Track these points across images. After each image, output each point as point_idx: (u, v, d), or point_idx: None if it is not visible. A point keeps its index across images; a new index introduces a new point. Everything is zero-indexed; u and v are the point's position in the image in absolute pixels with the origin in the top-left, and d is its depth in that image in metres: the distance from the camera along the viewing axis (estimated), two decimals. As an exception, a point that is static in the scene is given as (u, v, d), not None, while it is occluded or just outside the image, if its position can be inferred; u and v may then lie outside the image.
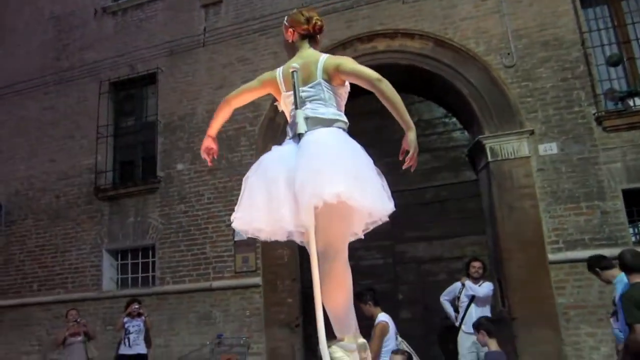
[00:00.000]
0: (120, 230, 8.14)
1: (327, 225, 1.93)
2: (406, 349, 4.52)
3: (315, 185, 1.82)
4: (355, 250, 7.21)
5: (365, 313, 4.86)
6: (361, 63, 2.29)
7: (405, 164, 2.04)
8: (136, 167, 8.65)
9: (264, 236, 2.13)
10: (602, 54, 6.53)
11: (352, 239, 2.20)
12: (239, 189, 7.57)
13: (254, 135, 7.57)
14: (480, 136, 6.48)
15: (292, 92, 2.17)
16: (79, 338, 6.73)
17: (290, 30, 2.37)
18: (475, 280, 5.58)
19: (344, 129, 2.17)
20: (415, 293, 6.92)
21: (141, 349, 6.64)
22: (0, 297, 8.65)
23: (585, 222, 5.94)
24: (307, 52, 2.33)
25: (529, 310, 5.62)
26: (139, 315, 6.75)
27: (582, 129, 6.16)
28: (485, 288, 5.52)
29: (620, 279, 4.33)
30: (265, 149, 7.95)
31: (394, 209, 2.09)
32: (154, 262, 7.89)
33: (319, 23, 2.34)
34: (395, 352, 4.18)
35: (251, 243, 7.15)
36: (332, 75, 2.20)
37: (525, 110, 6.41)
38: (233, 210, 7.55)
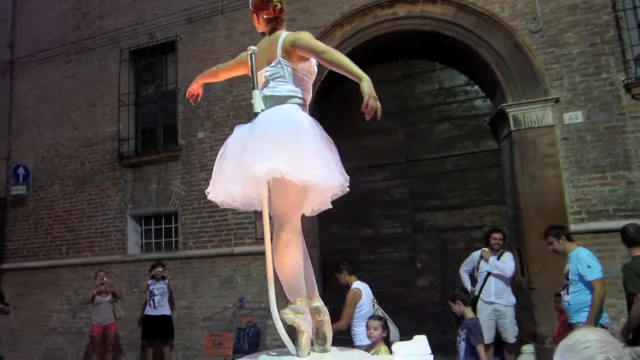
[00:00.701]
0: (143, 197, 8.32)
1: (274, 198, 2.13)
2: (381, 314, 4.65)
3: (252, 163, 1.99)
4: (375, 218, 7.27)
5: (341, 281, 5.05)
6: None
7: (366, 115, 2.05)
8: (157, 135, 8.75)
9: (238, 206, 2.30)
10: (634, 17, 6.26)
11: (311, 212, 2.40)
12: (259, 157, 7.47)
13: (273, 103, 7.55)
14: (503, 104, 6.35)
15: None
16: (107, 298, 7.02)
17: (255, 15, 2.44)
18: (495, 251, 5.60)
19: (299, 105, 2.25)
20: (434, 261, 6.97)
21: (165, 310, 6.90)
22: (31, 259, 9.02)
23: (609, 192, 5.83)
24: (274, 34, 2.39)
25: (548, 281, 5.62)
26: (163, 278, 6.98)
27: (609, 96, 5.98)
28: (509, 266, 5.52)
29: (576, 254, 4.33)
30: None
31: (345, 183, 2.22)
32: (176, 228, 8.08)
33: (278, 6, 2.37)
34: (372, 318, 4.32)
35: (271, 210, 7.25)
36: (289, 52, 2.25)
37: (551, 77, 6.24)
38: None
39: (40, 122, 9.38)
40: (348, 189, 2.32)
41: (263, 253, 7.38)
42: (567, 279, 4.37)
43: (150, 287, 7.00)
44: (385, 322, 4.23)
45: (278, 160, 1.96)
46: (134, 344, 7.59)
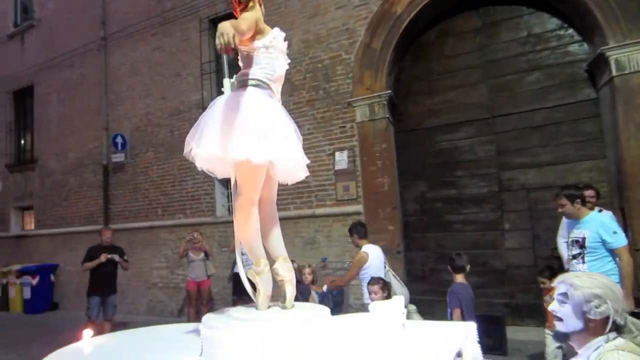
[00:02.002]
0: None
1: (234, 172, 2.31)
2: (392, 276, 5.01)
3: (197, 145, 2.19)
4: (458, 178, 7.02)
5: (354, 243, 5.32)
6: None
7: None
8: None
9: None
10: None
11: (288, 182, 2.53)
12: (337, 119, 7.61)
13: (350, 63, 7.41)
14: (603, 47, 5.72)
15: None
16: (200, 256, 7.49)
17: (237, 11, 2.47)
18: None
19: (253, 85, 2.29)
20: (523, 222, 6.62)
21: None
22: (132, 220, 9.83)
23: None
24: None
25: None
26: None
27: None
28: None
29: (594, 219, 3.95)
30: (362, 76, 7.79)
31: (280, 157, 2.20)
32: (260, 191, 8.35)
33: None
34: (370, 283, 4.41)
35: (351, 172, 7.25)
36: None
37: (662, 14, 5.51)
38: (332, 139, 7.69)
39: (133, 94, 9.99)
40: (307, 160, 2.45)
41: (344, 214, 7.44)
42: (582, 246, 3.91)
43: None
44: (385, 284, 4.36)
45: (207, 143, 2.15)
46: (225, 299, 8.09)
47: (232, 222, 8.07)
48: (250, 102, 2.20)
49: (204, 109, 8.27)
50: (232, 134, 2.11)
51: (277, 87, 2.39)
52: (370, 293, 4.30)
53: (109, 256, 6.82)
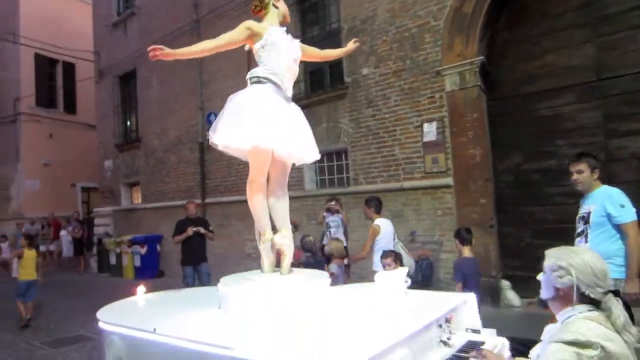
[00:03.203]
0: (315, 136, 8.73)
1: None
2: (401, 247, 5.54)
3: (212, 135, 2.61)
4: (557, 148, 6.54)
5: (367, 215, 5.79)
6: None
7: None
8: (325, 75, 9.02)
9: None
10: None
11: (296, 162, 2.85)
12: (426, 89, 7.39)
13: (439, 30, 7.09)
14: None
15: None
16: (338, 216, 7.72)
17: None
18: None
19: (254, 82, 2.64)
20: (636, 194, 6.03)
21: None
22: (226, 194, 10.38)
23: None
24: None
25: None
26: (337, 211, 7.40)
27: None
28: None
29: (603, 192, 3.49)
30: (452, 43, 7.45)
31: (265, 143, 2.44)
32: (347, 164, 8.40)
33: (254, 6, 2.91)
34: (383, 256, 4.73)
35: (440, 143, 7.02)
36: None
37: None
38: (420, 111, 7.49)
39: (224, 73, 10.39)
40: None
41: (433, 187, 7.29)
42: (586, 222, 3.48)
43: (326, 220, 7.48)
44: (397, 256, 4.73)
45: (217, 132, 2.54)
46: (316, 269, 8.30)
47: (320, 195, 8.29)
48: (246, 97, 2.57)
49: (291, 84, 8.15)
50: (230, 125, 2.48)
51: (285, 77, 2.64)
52: (384, 266, 4.58)
53: (195, 229, 7.27)
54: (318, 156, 2.83)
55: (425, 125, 7.18)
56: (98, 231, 13.79)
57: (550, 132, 6.56)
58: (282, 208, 2.74)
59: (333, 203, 7.34)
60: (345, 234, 7.41)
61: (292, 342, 1.79)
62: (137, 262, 11.28)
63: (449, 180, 6.95)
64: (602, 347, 1.52)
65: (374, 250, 5.34)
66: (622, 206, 3.33)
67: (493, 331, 2.55)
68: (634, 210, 3.33)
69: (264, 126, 2.42)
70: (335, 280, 5.04)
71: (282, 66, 2.63)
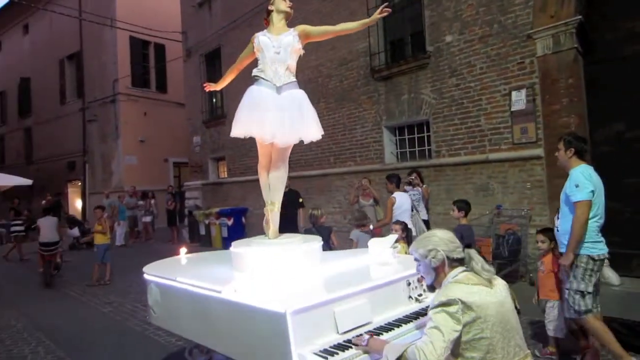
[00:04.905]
0: (396, 108, 8.61)
1: None
2: (418, 221, 6.61)
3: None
4: None
5: (388, 190, 6.63)
6: None
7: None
8: (405, 45, 8.77)
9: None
10: None
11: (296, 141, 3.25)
12: (515, 55, 7.00)
13: (531, -11, 6.59)
14: None
15: None
16: (370, 202, 7.74)
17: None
18: None
19: (254, 82, 3.19)
20: None
21: (423, 215, 7.22)
22: (307, 168, 10.55)
23: None
24: None
25: None
26: (418, 184, 7.28)
27: None
28: None
29: (574, 170, 3.59)
30: (545, 3, 6.91)
31: (254, 130, 3.08)
32: (429, 137, 8.18)
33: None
34: (394, 222, 5.52)
35: (530, 112, 6.61)
36: None
37: None
38: (508, 78, 7.12)
39: (305, 47, 10.41)
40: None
41: (522, 159, 6.95)
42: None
43: (409, 192, 7.40)
44: (405, 227, 5.37)
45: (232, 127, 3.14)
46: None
47: (400, 168, 8.23)
48: (243, 98, 3.15)
49: (371, 55, 8.35)
50: (234, 121, 3.11)
51: (273, 69, 3.16)
52: (393, 230, 5.20)
53: None
54: (313, 138, 3.26)
55: (514, 94, 6.78)
56: (189, 204, 14.68)
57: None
58: (276, 184, 3.33)
59: (413, 177, 7.24)
60: (427, 207, 7.29)
61: (267, 287, 2.45)
62: (225, 233, 11.87)
63: (539, 151, 6.55)
64: (462, 302, 1.89)
65: (392, 220, 6.01)
66: (577, 186, 3.50)
67: None
68: (588, 190, 3.45)
69: (248, 119, 3.05)
70: (355, 245, 5.79)
71: (266, 63, 3.18)
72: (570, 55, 6.25)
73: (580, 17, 6.18)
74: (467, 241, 4.50)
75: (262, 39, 3.24)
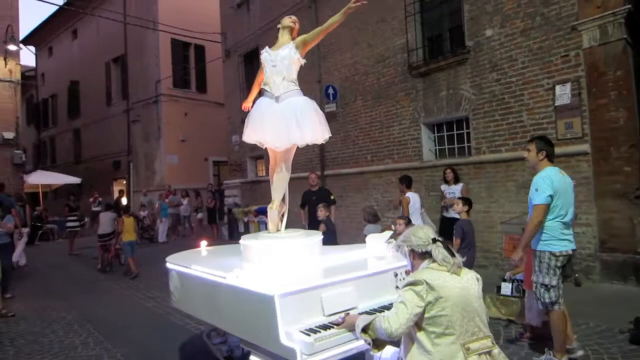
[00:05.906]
0: (434, 104, 8.48)
1: None
2: (425, 218, 7.16)
3: None
4: None
5: (400, 190, 7.18)
6: None
7: None
8: (444, 40, 8.62)
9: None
10: None
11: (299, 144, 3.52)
12: (558, 48, 6.78)
13: (576, -22, 6.35)
14: None
15: None
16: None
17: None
18: None
19: (262, 93, 3.62)
20: None
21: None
22: (344, 166, 10.55)
23: None
24: None
25: None
26: (456, 182, 7.17)
27: None
28: None
29: (545, 174, 3.71)
30: (592, -8, 6.52)
31: (255, 137, 3.55)
32: (468, 133, 8.02)
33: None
34: (398, 217, 5.91)
35: (575, 107, 6.38)
36: None
37: None
38: (552, 72, 6.92)
39: (341, 45, 10.44)
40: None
41: (567, 155, 6.73)
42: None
43: (445, 192, 7.28)
44: (409, 222, 5.66)
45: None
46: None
47: (439, 165, 8.16)
48: (253, 106, 3.63)
49: (409, 52, 8.28)
50: (245, 128, 3.58)
51: (273, 81, 3.49)
52: (396, 224, 5.58)
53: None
54: (310, 141, 3.51)
55: (558, 88, 6.55)
56: (228, 201, 14.95)
57: None
58: (278, 184, 3.65)
59: (447, 172, 7.28)
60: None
61: (265, 274, 2.81)
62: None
63: (585, 147, 6.31)
64: (427, 283, 2.16)
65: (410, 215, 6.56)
66: (537, 190, 3.67)
67: None
68: (545, 195, 3.60)
69: (251, 127, 3.52)
70: None
71: (268, 76, 3.53)
72: (618, 47, 5.98)
73: (629, 6, 5.90)
74: (467, 235, 5.33)
75: (264, 55, 3.59)
